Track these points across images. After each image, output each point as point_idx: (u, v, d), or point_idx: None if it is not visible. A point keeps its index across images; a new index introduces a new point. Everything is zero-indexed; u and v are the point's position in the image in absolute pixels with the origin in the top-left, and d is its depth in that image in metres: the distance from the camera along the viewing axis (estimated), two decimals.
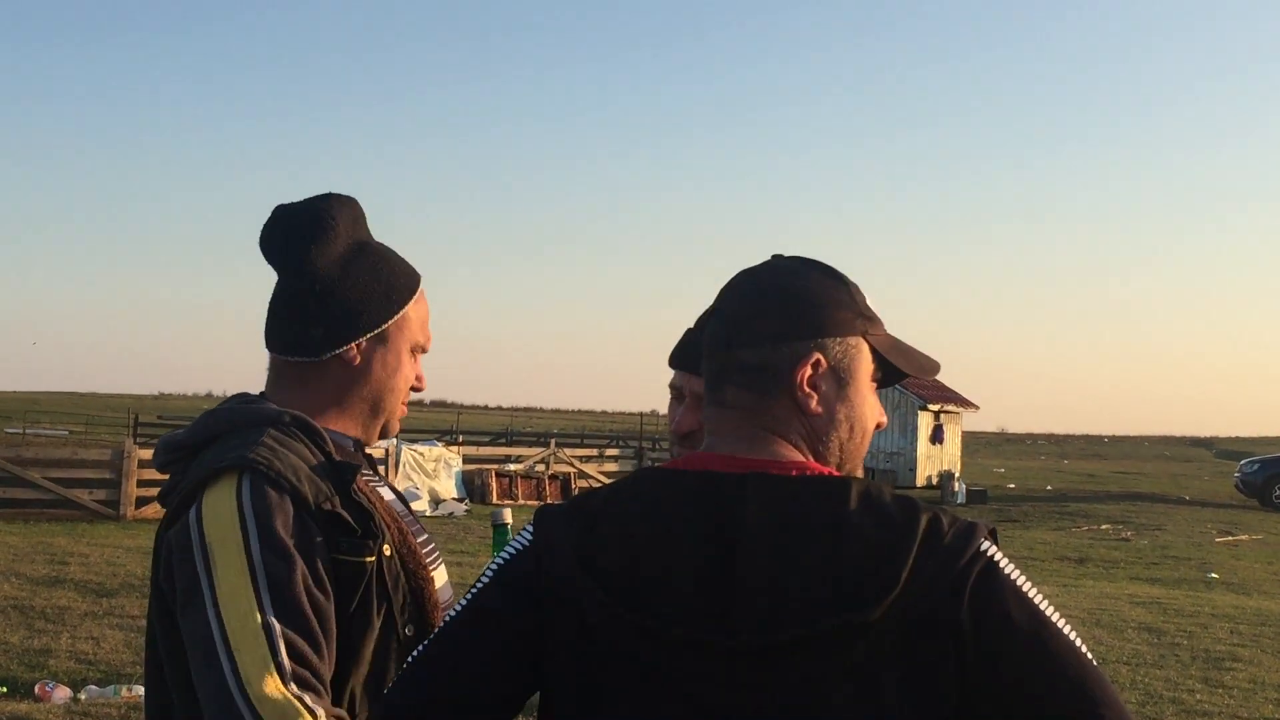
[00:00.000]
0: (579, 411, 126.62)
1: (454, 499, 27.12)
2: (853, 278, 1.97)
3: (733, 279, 1.97)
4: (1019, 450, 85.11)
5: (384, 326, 2.30)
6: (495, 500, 27.89)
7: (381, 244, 2.38)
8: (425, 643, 1.82)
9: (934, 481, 36.79)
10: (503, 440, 45.02)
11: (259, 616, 1.98)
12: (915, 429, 36.52)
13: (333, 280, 2.28)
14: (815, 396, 1.85)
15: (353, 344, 2.28)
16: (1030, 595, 1.75)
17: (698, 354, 2.69)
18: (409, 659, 1.82)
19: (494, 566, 1.84)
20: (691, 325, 2.91)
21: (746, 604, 1.69)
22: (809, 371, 1.84)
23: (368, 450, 2.43)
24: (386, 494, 2.34)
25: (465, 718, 1.78)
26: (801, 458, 1.84)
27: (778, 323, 1.86)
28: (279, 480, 2.10)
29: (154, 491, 17.85)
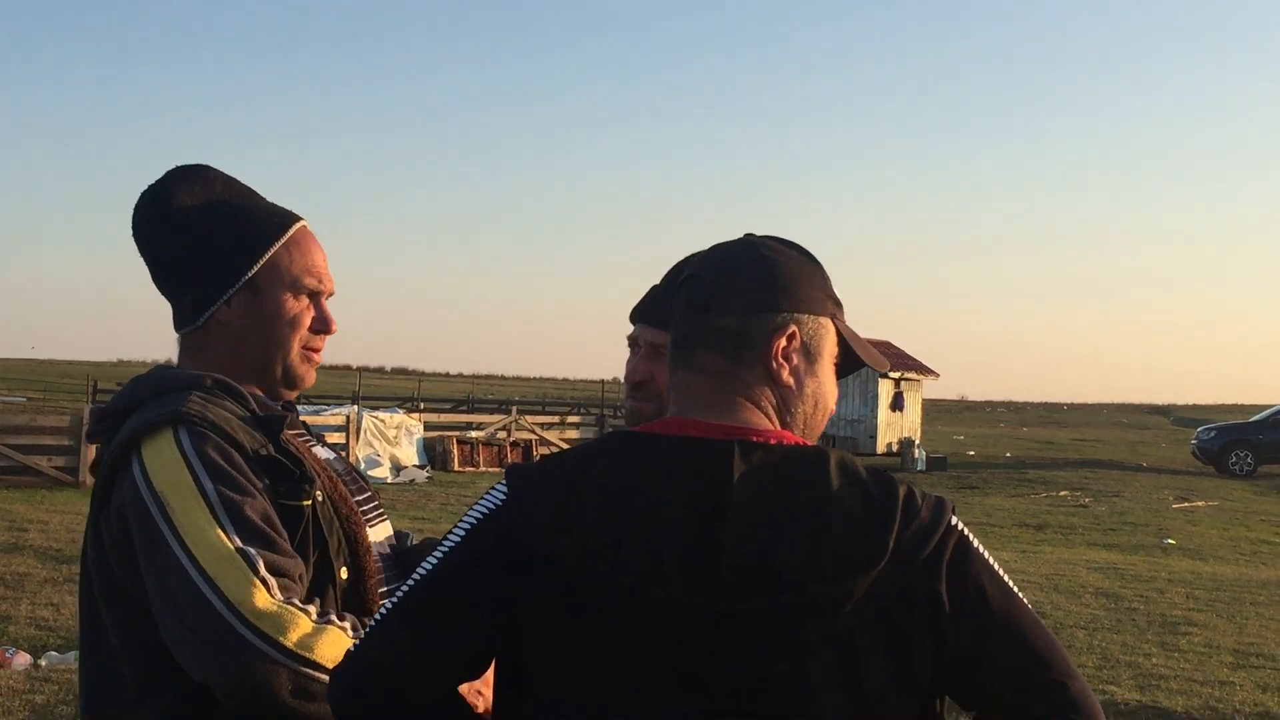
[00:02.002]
0: (540, 379, 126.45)
1: (415, 466, 27.01)
2: (817, 251, 2.01)
3: (710, 249, 2.00)
4: (978, 417, 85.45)
5: (246, 277, 2.32)
6: (457, 467, 27.85)
7: (243, 200, 2.40)
8: (392, 601, 1.81)
9: (894, 448, 36.85)
10: (464, 407, 44.92)
11: (230, 543, 2.02)
12: (876, 396, 36.50)
13: (182, 248, 2.34)
14: (787, 368, 1.88)
15: (219, 302, 2.32)
16: (998, 570, 1.81)
17: (660, 309, 2.71)
18: (377, 615, 1.81)
19: (465, 526, 1.82)
20: (658, 282, 2.93)
21: (732, 572, 1.70)
22: (784, 343, 1.87)
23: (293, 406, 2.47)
24: (323, 452, 2.41)
25: (433, 676, 1.77)
26: (773, 427, 1.86)
27: (757, 293, 1.89)
28: (215, 428, 2.15)
29: None
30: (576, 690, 1.74)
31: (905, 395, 38.12)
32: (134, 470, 2.11)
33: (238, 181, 2.44)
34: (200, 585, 1.97)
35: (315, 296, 2.39)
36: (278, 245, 2.34)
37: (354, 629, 2.06)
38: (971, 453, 43.85)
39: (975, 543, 1.81)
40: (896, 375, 37.54)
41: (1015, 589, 1.82)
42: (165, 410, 2.16)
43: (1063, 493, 28.38)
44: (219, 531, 2.02)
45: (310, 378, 2.43)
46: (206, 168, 2.41)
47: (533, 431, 31.16)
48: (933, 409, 64.15)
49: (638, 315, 2.90)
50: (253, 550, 2.02)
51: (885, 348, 36.92)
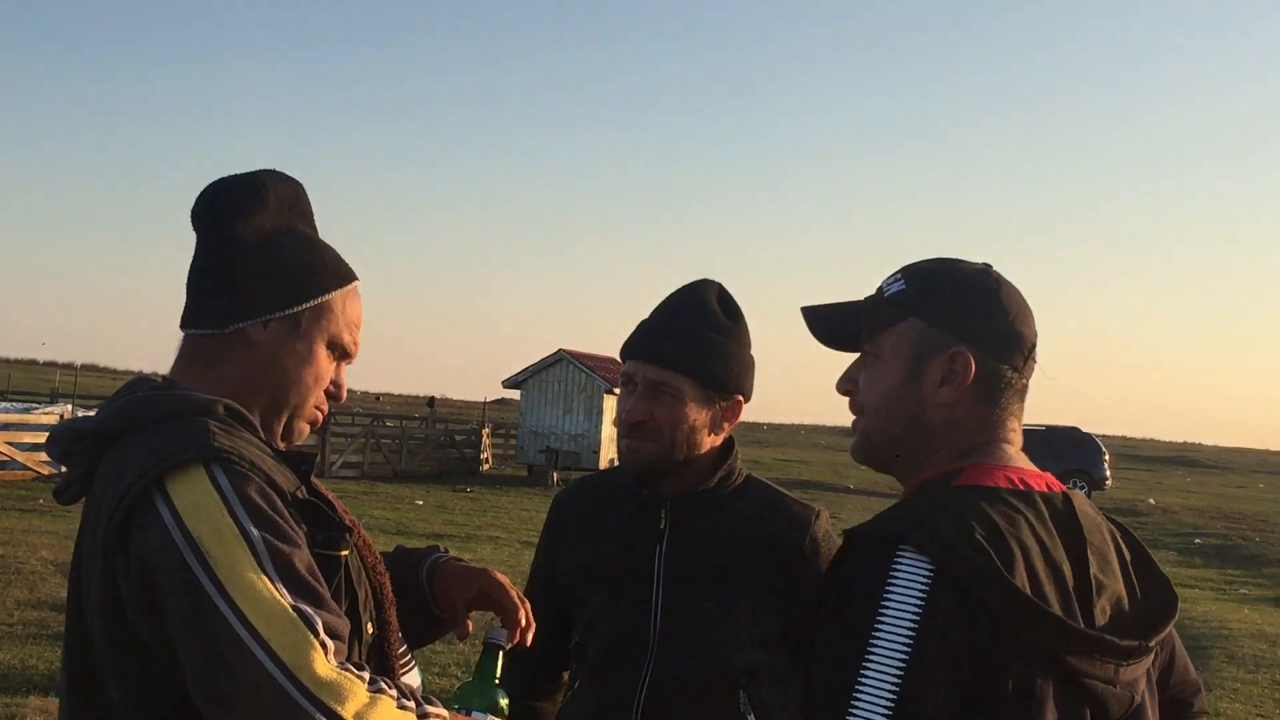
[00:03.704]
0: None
1: None
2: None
3: (1009, 284, 2.04)
4: None
5: (296, 309, 2.12)
6: None
7: (318, 237, 2.22)
8: (873, 695, 1.71)
9: (615, 463, 36.79)
10: None
11: (284, 602, 1.81)
12: (600, 412, 36.68)
13: (247, 250, 2.11)
14: None
15: (259, 320, 2.10)
16: None
17: (648, 339, 2.79)
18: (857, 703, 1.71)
19: (910, 608, 1.73)
20: (648, 316, 2.88)
21: (1103, 606, 1.87)
22: None
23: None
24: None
25: None
26: None
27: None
28: (254, 467, 1.93)
29: None
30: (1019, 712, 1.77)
31: None
32: (161, 512, 1.85)
33: (313, 213, 2.25)
34: (253, 648, 1.76)
35: (344, 359, 2.22)
36: (337, 292, 2.17)
37: (399, 696, 1.89)
38: None
39: None
40: (619, 392, 37.57)
41: None
42: (191, 442, 1.91)
43: None
44: (270, 586, 1.81)
45: (305, 436, 2.22)
46: (301, 185, 2.22)
47: None
48: None
49: (638, 351, 2.85)
50: (309, 609, 1.82)
51: (609, 364, 37.19)
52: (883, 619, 1.72)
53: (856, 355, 2.08)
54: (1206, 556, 25.85)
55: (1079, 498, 1.97)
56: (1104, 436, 47.39)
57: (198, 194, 2.18)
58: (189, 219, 2.17)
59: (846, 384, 2.06)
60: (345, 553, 2.05)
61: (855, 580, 1.78)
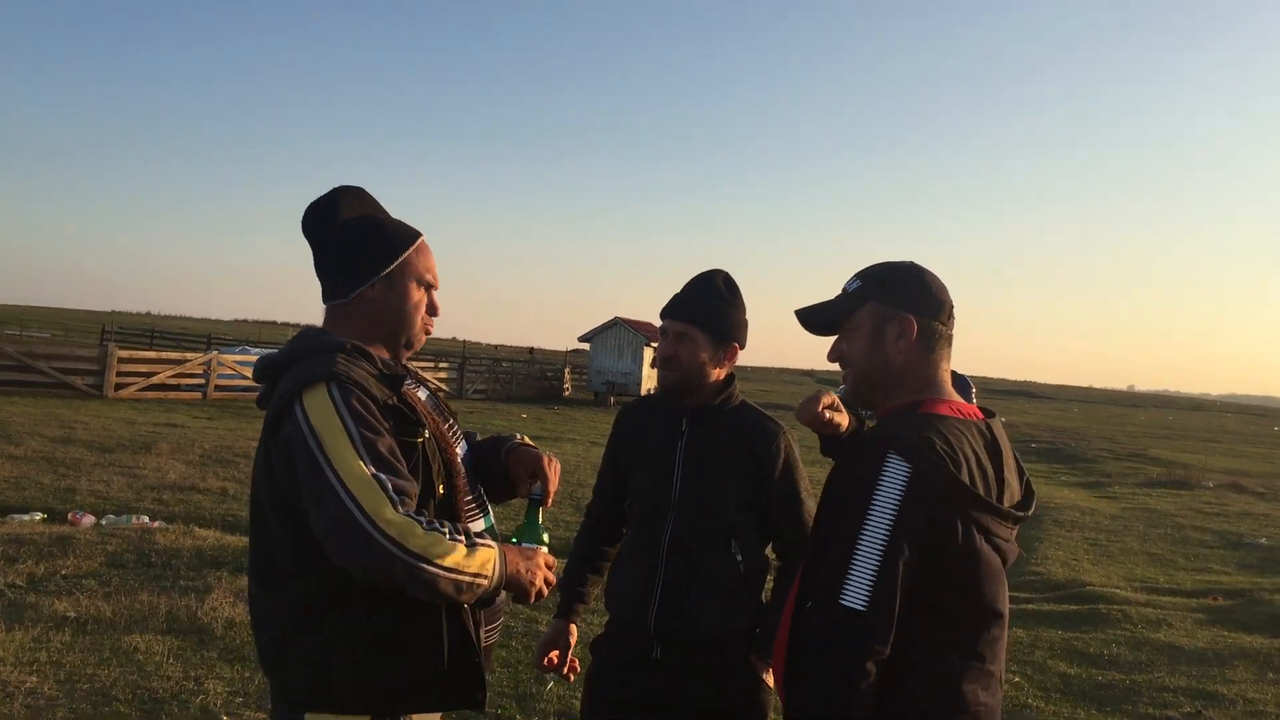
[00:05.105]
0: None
1: None
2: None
3: (928, 270, 2.09)
4: None
5: (388, 269, 2.19)
6: None
7: (384, 215, 2.29)
8: (871, 560, 1.77)
9: (653, 391, 36.69)
10: None
11: (367, 470, 1.93)
12: (641, 358, 36.66)
13: (343, 242, 2.20)
14: None
15: (366, 285, 2.19)
16: None
17: (676, 305, 2.86)
18: (866, 576, 1.77)
19: (891, 495, 1.78)
20: (680, 290, 2.93)
21: (1006, 495, 1.95)
22: None
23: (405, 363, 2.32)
24: (423, 393, 2.27)
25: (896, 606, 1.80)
26: None
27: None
28: (357, 384, 2.05)
29: (130, 380, 16.90)
30: (960, 563, 1.83)
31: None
32: (297, 413, 1.99)
33: (377, 201, 2.32)
34: (346, 500, 1.89)
35: (430, 289, 2.28)
36: (410, 250, 2.24)
37: (451, 532, 1.97)
38: None
39: None
40: (654, 345, 37.34)
41: None
42: (320, 369, 2.04)
43: None
44: (360, 461, 1.93)
45: (421, 345, 2.32)
46: (362, 189, 2.29)
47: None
48: None
49: (670, 313, 2.92)
50: (384, 476, 1.94)
51: (649, 327, 37.19)
52: (872, 511, 1.78)
53: (835, 335, 2.11)
54: (1040, 456, 25.72)
55: (997, 425, 2.02)
56: (972, 375, 47.19)
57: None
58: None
59: (836, 352, 2.09)
60: (419, 439, 2.11)
61: (857, 476, 1.83)
